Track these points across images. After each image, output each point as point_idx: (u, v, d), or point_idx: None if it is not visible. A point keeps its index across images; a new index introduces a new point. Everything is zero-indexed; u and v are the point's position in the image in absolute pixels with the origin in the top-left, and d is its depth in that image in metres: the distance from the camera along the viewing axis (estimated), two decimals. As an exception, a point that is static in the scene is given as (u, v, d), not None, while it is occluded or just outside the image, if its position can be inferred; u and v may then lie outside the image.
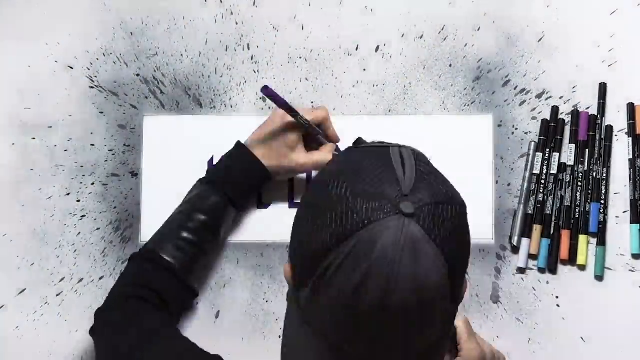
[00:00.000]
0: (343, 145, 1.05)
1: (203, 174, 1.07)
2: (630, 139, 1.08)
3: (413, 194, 0.68)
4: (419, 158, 0.74)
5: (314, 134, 1.03)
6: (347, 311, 0.67)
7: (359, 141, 0.91)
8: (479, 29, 1.10)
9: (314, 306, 0.69)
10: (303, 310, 0.71)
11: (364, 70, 1.10)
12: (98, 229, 1.08)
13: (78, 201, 1.09)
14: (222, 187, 1.02)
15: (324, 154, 1.04)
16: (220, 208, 1.02)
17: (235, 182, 1.03)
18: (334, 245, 0.67)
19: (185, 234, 1.00)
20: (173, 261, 0.98)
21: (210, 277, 1.07)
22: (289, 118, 1.01)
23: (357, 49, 1.10)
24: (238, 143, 1.04)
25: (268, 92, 0.98)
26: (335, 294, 0.67)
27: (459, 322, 0.95)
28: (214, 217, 1.01)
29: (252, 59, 1.10)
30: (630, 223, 1.06)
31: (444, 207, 0.69)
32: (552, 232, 1.07)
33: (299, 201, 1.08)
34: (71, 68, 1.10)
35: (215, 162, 1.08)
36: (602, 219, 1.06)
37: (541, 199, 1.07)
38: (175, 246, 0.99)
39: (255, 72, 1.10)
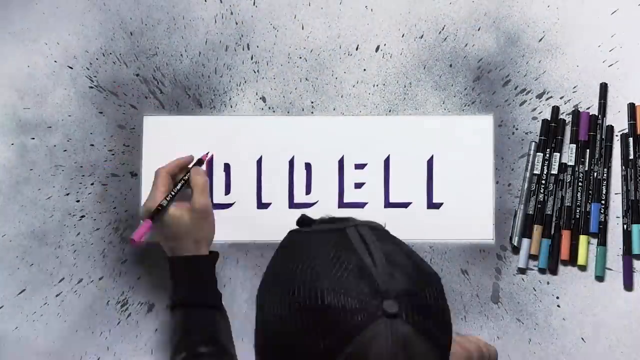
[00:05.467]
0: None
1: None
2: (631, 139, 1.07)
3: (390, 285, 0.63)
4: (380, 235, 0.68)
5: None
6: None
7: (304, 220, 0.73)
8: (479, 29, 1.10)
9: None
10: None
11: (364, 70, 1.10)
12: (98, 229, 1.08)
13: (77, 201, 1.08)
14: (187, 303, 0.96)
15: (196, 178, 1.00)
16: (200, 319, 0.96)
17: (191, 293, 0.97)
18: None
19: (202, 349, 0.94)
20: None
21: (210, 277, 1.07)
22: (173, 210, 0.98)
23: (357, 49, 1.10)
24: (168, 259, 0.99)
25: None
26: None
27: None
28: (207, 332, 0.96)
29: (252, 59, 1.10)
30: (631, 223, 1.06)
31: (425, 293, 0.65)
32: (552, 232, 1.07)
33: (299, 201, 1.08)
34: (71, 68, 1.10)
35: (214, 161, 1.08)
36: (602, 219, 1.06)
37: (542, 199, 1.07)
38: None
39: (255, 72, 1.10)
